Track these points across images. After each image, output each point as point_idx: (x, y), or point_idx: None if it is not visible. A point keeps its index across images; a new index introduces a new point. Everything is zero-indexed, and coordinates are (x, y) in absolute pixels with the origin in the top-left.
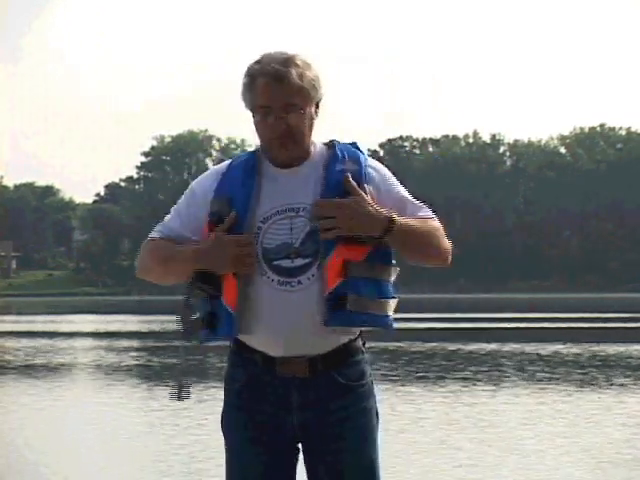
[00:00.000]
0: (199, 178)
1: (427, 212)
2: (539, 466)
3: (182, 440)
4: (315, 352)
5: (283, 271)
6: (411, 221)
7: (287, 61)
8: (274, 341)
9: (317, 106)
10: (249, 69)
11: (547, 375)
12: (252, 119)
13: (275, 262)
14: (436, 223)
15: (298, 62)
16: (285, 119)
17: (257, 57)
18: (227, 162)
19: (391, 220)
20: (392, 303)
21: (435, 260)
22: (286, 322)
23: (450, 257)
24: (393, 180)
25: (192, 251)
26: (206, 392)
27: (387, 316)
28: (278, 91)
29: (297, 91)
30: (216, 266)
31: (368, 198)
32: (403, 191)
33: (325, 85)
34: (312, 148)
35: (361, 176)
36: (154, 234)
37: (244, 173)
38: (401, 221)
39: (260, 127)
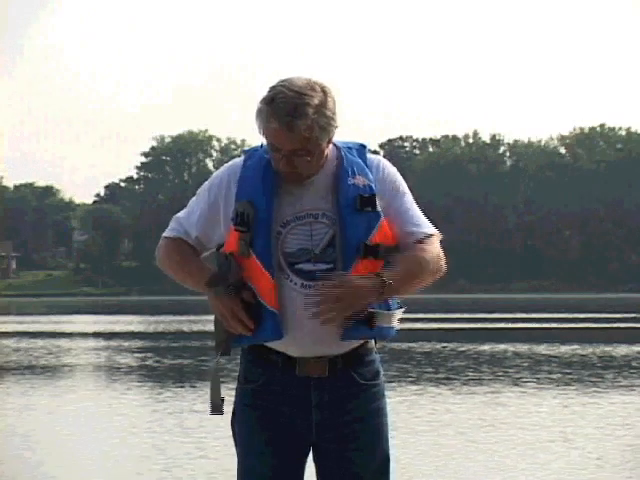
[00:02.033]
0: (214, 180)
1: (423, 230)
2: (579, 470)
3: (204, 443)
4: (335, 352)
5: (306, 274)
6: (401, 272)
7: (298, 108)
8: (297, 343)
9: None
10: (261, 108)
11: (561, 376)
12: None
13: (297, 266)
14: (428, 250)
15: (309, 109)
16: (293, 162)
17: (272, 89)
18: (241, 160)
19: (382, 282)
20: (399, 313)
21: (429, 283)
22: (309, 324)
23: (444, 267)
24: (397, 187)
25: (202, 284)
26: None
27: (393, 327)
28: (287, 139)
29: (305, 141)
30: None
31: (354, 278)
32: (407, 202)
33: (339, 113)
34: (325, 158)
35: (372, 190)
36: (170, 232)
37: (262, 175)
38: (391, 279)
39: (270, 155)
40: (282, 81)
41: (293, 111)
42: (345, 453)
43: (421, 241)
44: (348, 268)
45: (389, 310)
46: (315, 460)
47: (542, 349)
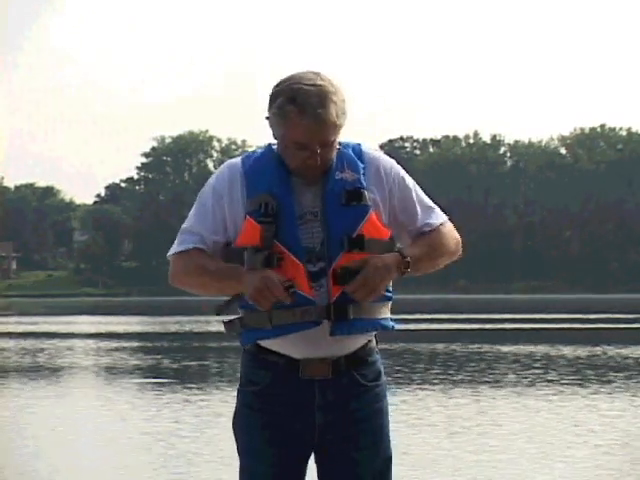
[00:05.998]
0: (217, 178)
1: (437, 218)
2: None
3: (210, 448)
4: (338, 353)
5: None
6: (420, 247)
7: (324, 98)
8: (298, 343)
9: None
10: (286, 109)
11: (582, 377)
12: (276, 140)
13: None
14: (444, 230)
15: (333, 97)
16: (320, 154)
17: (286, 90)
18: (239, 160)
19: (404, 257)
20: (389, 304)
21: (448, 263)
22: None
23: (461, 250)
24: (403, 180)
25: (240, 279)
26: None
27: (386, 318)
28: (318, 133)
29: (334, 129)
30: (254, 299)
31: (376, 260)
32: (413, 191)
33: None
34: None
35: (361, 184)
36: (187, 245)
37: (276, 166)
38: (412, 254)
39: (290, 156)
40: (290, 78)
41: (320, 103)
42: (348, 454)
43: (440, 225)
44: (334, 260)
45: (378, 301)
46: (317, 461)
47: (560, 350)
